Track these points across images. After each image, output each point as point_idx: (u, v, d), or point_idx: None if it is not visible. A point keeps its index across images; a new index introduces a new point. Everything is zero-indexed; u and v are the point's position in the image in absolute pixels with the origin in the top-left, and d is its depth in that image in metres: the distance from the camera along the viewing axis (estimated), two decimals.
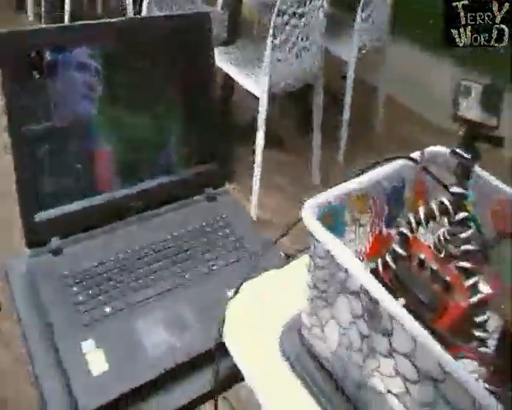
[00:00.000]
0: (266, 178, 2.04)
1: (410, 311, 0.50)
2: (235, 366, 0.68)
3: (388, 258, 0.63)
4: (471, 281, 0.57)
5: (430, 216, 0.60)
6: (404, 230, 0.62)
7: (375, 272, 0.65)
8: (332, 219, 0.59)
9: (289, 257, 0.84)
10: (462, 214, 0.57)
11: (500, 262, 0.63)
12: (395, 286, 0.62)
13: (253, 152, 1.97)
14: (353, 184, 0.62)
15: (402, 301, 0.59)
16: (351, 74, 2.23)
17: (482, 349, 0.55)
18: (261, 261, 0.75)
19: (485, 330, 0.56)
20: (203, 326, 0.75)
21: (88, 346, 0.71)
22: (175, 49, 0.91)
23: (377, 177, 0.65)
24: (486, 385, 0.51)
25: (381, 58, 2.47)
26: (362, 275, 0.52)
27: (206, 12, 0.90)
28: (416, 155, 0.67)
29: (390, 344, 0.51)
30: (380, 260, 0.64)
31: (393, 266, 0.62)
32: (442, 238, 0.62)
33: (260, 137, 1.95)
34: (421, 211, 0.61)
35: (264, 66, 1.89)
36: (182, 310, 0.77)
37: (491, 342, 0.57)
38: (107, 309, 0.75)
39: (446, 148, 0.65)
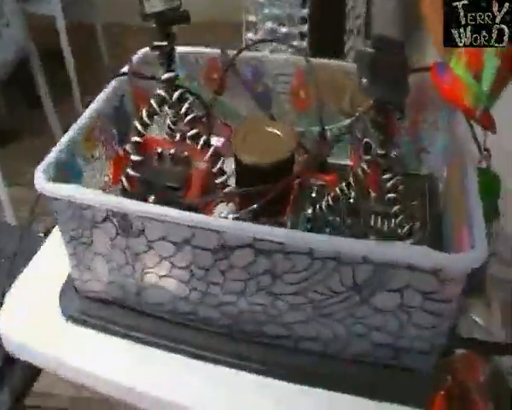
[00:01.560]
0: (16, 174, 1.84)
1: (164, 202, 0.50)
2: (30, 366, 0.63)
3: (129, 169, 0.62)
4: (202, 141, 0.59)
5: (153, 112, 0.60)
6: (135, 137, 0.61)
7: (123, 190, 0.63)
8: (66, 170, 0.57)
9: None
10: (177, 93, 0.58)
11: (224, 113, 0.71)
12: (146, 190, 0.62)
13: None
14: (76, 127, 0.59)
15: (152, 198, 0.60)
16: (61, 25, 2.09)
17: (227, 190, 0.60)
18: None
19: (224, 173, 0.60)
20: None
21: None
22: None
23: (96, 107, 0.63)
24: (232, 216, 0.56)
25: None
26: (102, 199, 0.52)
27: None
28: (124, 68, 0.67)
29: (146, 239, 0.52)
30: (123, 177, 0.62)
31: (136, 173, 0.62)
32: (171, 124, 0.64)
33: None
34: (143, 111, 0.60)
35: None
36: None
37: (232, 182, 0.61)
38: None
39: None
